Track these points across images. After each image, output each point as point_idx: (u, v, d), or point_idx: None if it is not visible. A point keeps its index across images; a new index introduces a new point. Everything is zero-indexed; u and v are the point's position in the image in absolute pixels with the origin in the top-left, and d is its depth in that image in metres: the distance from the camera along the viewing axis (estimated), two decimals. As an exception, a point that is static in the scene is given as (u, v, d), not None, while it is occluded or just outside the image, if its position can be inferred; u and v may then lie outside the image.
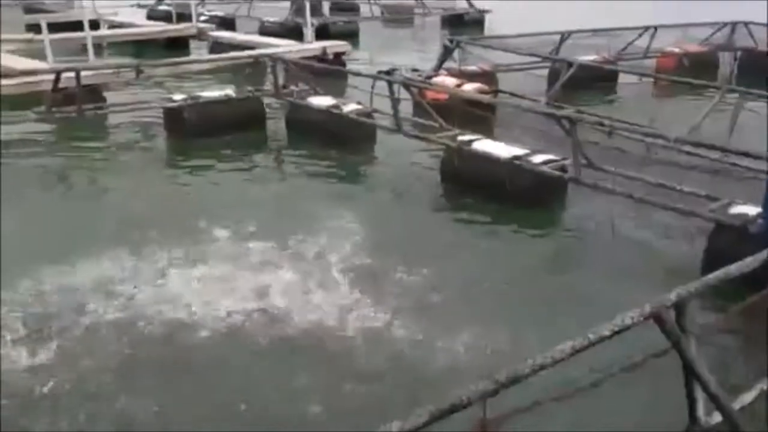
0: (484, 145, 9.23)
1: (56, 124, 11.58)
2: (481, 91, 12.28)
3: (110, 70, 12.97)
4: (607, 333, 3.08)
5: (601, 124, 8.11)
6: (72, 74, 11.25)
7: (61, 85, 11.43)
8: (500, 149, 9.00)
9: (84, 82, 11.36)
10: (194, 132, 11.27)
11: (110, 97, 12.80)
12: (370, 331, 5.84)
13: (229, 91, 12.13)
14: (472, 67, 14.68)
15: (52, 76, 11.49)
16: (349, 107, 11.32)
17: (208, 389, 5.08)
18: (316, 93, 12.18)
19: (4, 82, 11.83)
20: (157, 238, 7.45)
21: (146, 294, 6.35)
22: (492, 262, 7.22)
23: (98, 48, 16.15)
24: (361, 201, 9.03)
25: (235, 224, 7.88)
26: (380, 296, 6.39)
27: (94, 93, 12.14)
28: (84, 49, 15.59)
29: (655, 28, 16.72)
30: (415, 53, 19.83)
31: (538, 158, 8.67)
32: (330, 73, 14.06)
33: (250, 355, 5.50)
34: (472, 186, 8.95)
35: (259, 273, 6.78)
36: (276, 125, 12.18)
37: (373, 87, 11.75)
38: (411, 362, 5.43)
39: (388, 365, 5.37)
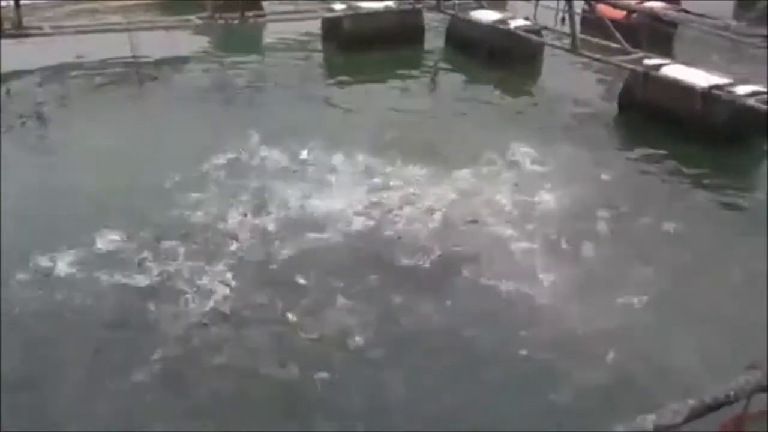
0: (675, 70, 8.16)
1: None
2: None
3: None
4: None
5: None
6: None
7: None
8: (695, 76, 7.91)
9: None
10: (352, 43, 10.88)
11: (268, 6, 12.59)
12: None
13: (390, 2, 11.54)
14: (655, -19, 13.09)
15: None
16: (516, 23, 10.44)
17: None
18: (480, 6, 11.34)
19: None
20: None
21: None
22: (686, 221, 6.17)
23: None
24: (526, 130, 8.11)
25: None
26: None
27: None
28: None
29: None
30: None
31: (741, 89, 7.54)
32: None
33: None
34: (656, 118, 7.98)
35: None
36: (435, 40, 11.53)
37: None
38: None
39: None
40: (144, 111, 8.69)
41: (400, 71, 10.26)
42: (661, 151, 7.51)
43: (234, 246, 5.69)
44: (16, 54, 9.50)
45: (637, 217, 6.22)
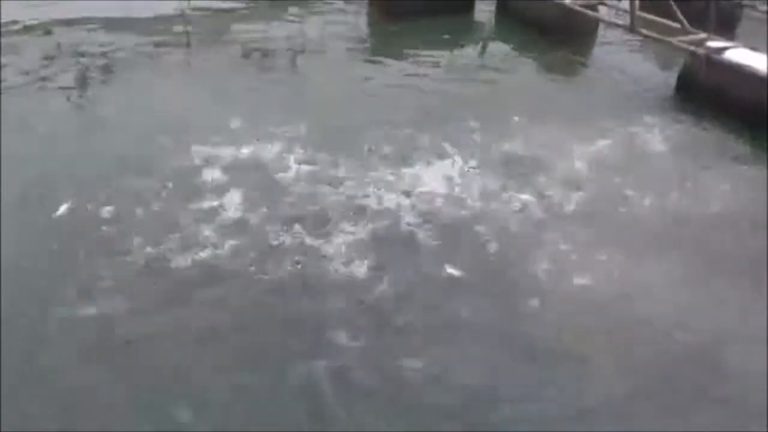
0: (740, 54, 7.66)
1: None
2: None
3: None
4: None
5: None
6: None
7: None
8: (762, 62, 7.42)
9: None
10: (399, 12, 10.56)
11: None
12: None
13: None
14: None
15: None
16: (573, -4, 9.97)
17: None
18: (534, -23, 10.84)
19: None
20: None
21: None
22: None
23: None
24: (578, 113, 7.68)
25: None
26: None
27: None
28: None
29: None
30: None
31: (812, 78, 7.04)
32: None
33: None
34: (717, 103, 7.52)
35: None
36: (485, 12, 11.11)
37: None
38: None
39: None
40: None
41: (444, 43, 9.89)
42: (719, 137, 7.14)
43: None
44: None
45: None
